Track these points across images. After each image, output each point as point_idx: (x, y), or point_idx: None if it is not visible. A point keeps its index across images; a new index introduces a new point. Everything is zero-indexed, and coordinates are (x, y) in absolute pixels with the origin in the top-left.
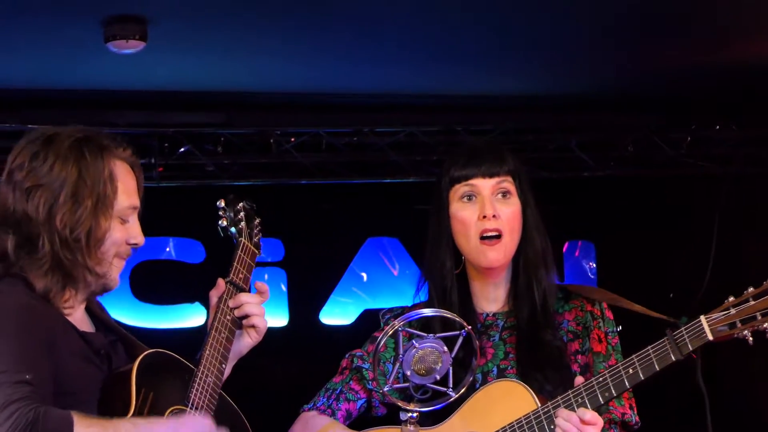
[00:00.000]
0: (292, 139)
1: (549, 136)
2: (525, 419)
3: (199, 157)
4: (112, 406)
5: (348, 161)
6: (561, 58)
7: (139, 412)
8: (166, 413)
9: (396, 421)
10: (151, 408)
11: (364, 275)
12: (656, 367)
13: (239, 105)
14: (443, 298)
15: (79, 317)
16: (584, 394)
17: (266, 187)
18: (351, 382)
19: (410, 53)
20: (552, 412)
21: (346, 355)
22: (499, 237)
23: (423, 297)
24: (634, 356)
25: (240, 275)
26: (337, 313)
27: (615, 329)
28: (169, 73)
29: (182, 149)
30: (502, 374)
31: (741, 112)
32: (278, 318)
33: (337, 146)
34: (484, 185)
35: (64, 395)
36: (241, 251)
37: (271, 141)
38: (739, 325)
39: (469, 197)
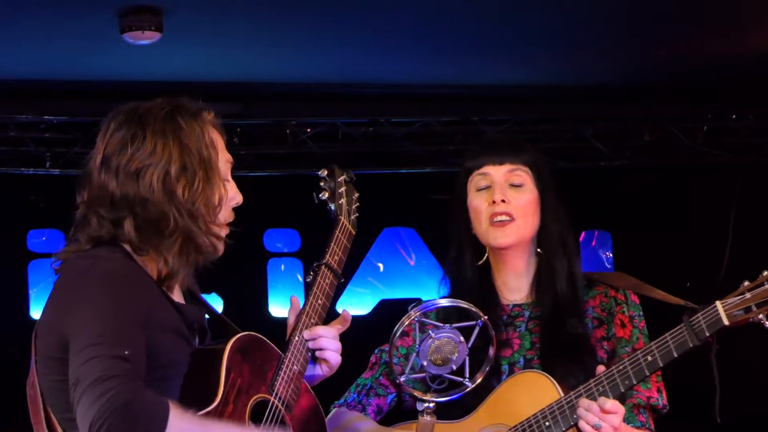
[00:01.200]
0: (308, 130)
1: (565, 126)
2: (548, 409)
3: None
4: (197, 385)
5: (364, 151)
6: (577, 49)
7: (225, 398)
8: (251, 401)
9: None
10: (238, 395)
11: (381, 265)
12: (674, 353)
13: (255, 95)
14: (464, 289)
15: (173, 288)
16: (605, 382)
17: (282, 178)
18: (380, 377)
19: (426, 44)
20: (574, 401)
21: (375, 351)
22: (509, 220)
23: (445, 290)
24: (652, 343)
25: (335, 257)
26: (354, 304)
27: (641, 313)
28: (185, 63)
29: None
30: (528, 364)
31: (757, 102)
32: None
33: (354, 136)
34: (497, 172)
35: (153, 369)
36: (339, 231)
37: (287, 131)
38: (754, 309)
39: (485, 187)
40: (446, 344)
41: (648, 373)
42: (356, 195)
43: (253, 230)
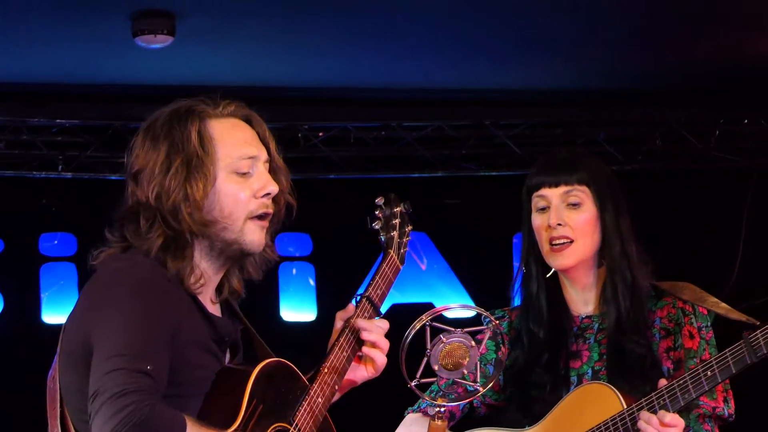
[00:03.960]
0: (320, 134)
1: (577, 130)
2: (611, 421)
3: None
4: (219, 405)
5: (376, 156)
6: (590, 53)
7: (244, 424)
8: (269, 430)
9: (499, 422)
10: (257, 421)
11: None
12: (733, 369)
13: (267, 99)
14: (530, 302)
15: (209, 297)
16: (666, 396)
17: (294, 182)
18: (453, 383)
19: (438, 48)
20: (636, 414)
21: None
22: (568, 243)
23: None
24: (712, 359)
25: (378, 291)
26: None
27: (709, 324)
28: (197, 67)
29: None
30: (596, 376)
31: None
32: (307, 312)
33: (365, 140)
34: (553, 194)
35: (174, 385)
36: (387, 265)
37: (299, 135)
38: None
39: (543, 208)
40: (457, 349)
41: (707, 388)
42: (409, 228)
43: None
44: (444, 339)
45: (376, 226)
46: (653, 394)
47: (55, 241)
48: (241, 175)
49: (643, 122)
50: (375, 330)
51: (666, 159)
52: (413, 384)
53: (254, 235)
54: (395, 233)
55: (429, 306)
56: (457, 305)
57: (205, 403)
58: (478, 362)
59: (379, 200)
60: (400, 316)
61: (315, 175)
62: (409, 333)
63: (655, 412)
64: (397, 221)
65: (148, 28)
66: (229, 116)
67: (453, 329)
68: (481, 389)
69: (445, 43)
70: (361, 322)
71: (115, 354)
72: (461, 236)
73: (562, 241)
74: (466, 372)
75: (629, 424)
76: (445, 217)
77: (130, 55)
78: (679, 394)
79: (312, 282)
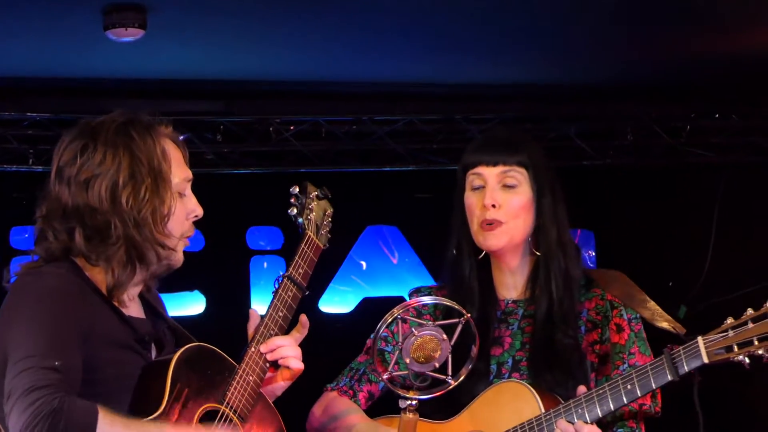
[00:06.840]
0: (292, 128)
1: (548, 125)
2: (528, 424)
3: (198, 146)
4: (144, 396)
5: (347, 149)
6: (560, 47)
7: (170, 408)
8: (198, 411)
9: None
10: (184, 404)
11: (363, 263)
12: (653, 385)
13: (239, 93)
14: (461, 283)
15: (128, 301)
16: (584, 404)
17: (265, 176)
18: (374, 363)
19: (410, 42)
20: (553, 419)
21: (372, 335)
22: (498, 224)
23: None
24: (633, 372)
25: (300, 270)
26: (336, 302)
27: (638, 316)
28: (168, 61)
29: (181, 137)
30: (516, 366)
31: (740, 102)
32: None
33: (337, 134)
34: (490, 174)
35: (95, 383)
36: (305, 245)
37: (271, 129)
38: (735, 349)
39: (479, 187)
40: (429, 342)
41: (626, 402)
42: (329, 211)
43: (235, 228)
44: (416, 332)
45: (292, 212)
46: (571, 401)
47: (26, 235)
48: (180, 196)
49: (614, 117)
50: (278, 347)
51: (637, 154)
52: (386, 377)
53: (181, 253)
54: (312, 216)
55: (400, 299)
56: (429, 298)
57: (133, 397)
58: (450, 355)
59: (294, 189)
60: (372, 310)
61: (286, 168)
62: (380, 326)
63: (572, 419)
64: (313, 205)
65: (120, 22)
66: (168, 136)
67: (425, 322)
68: (452, 382)
69: (416, 38)
70: (263, 347)
71: (24, 356)
72: (432, 230)
73: (493, 222)
74: (437, 365)
75: (546, 429)
76: (416, 211)
77: (101, 49)
78: (597, 403)
79: None
